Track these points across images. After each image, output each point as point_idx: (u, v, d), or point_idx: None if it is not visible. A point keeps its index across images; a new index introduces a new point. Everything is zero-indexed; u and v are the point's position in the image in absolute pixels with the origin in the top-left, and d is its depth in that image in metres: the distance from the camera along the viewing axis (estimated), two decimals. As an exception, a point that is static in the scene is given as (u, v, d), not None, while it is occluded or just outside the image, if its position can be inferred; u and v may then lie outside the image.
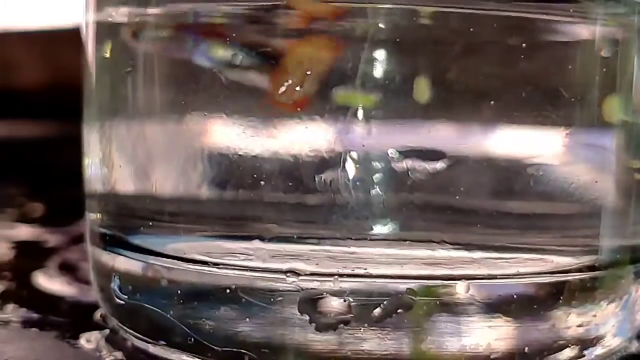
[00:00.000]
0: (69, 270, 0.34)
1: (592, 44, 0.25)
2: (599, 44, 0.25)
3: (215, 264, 0.24)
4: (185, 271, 0.25)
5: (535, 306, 0.24)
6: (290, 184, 0.23)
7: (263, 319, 0.24)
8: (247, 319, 0.24)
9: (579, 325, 0.24)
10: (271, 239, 0.24)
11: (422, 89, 0.23)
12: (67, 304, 0.30)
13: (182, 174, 0.25)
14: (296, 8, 0.23)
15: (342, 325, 0.23)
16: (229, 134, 0.24)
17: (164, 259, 0.25)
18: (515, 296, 0.24)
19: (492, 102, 0.23)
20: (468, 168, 0.24)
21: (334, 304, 0.23)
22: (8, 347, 0.26)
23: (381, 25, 0.23)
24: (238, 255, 0.24)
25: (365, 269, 0.23)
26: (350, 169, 0.23)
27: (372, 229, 0.23)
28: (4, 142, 0.60)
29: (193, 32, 0.25)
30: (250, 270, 0.24)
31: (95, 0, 0.27)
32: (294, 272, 0.23)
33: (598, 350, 0.25)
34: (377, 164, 0.23)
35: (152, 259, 0.25)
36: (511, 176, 0.24)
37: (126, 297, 0.26)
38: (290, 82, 0.23)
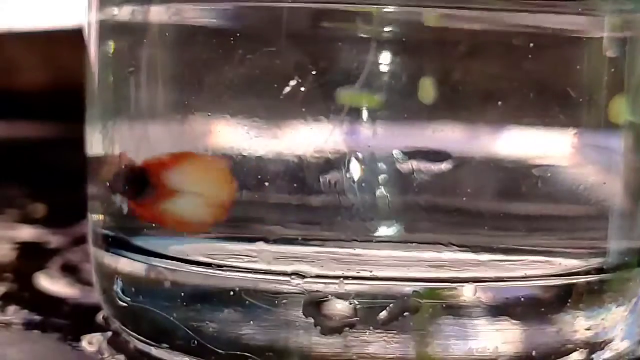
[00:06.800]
0: (71, 271, 0.34)
1: (599, 43, 0.24)
2: (606, 44, 0.24)
3: (219, 266, 0.24)
4: (188, 273, 0.24)
5: (542, 309, 0.24)
6: (295, 185, 0.23)
7: (267, 322, 0.24)
8: (251, 322, 0.24)
9: (587, 329, 0.24)
10: (275, 241, 0.24)
11: (427, 90, 0.23)
12: (69, 306, 0.30)
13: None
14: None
15: (347, 328, 0.23)
16: (232, 135, 0.24)
17: (167, 260, 0.25)
18: (522, 299, 0.24)
19: (498, 103, 0.23)
20: (474, 169, 0.23)
21: (339, 307, 0.23)
22: (10, 349, 0.26)
23: (387, 26, 0.23)
24: (242, 257, 0.24)
25: (371, 272, 0.23)
26: (355, 170, 0.23)
27: (377, 230, 0.23)
28: (6, 143, 0.60)
29: (196, 31, 0.24)
30: (254, 272, 0.24)
31: (97, 0, 0.27)
32: (299, 275, 0.23)
33: (606, 354, 0.25)
34: (382, 165, 0.23)
35: (155, 261, 0.25)
36: (518, 177, 0.24)
37: (129, 299, 0.26)
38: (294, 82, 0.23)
